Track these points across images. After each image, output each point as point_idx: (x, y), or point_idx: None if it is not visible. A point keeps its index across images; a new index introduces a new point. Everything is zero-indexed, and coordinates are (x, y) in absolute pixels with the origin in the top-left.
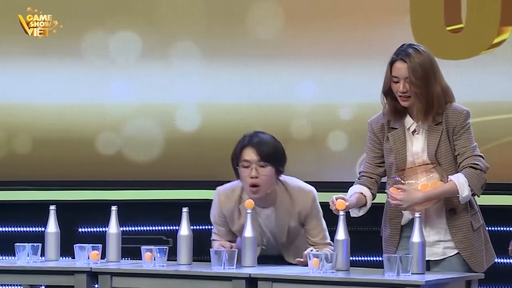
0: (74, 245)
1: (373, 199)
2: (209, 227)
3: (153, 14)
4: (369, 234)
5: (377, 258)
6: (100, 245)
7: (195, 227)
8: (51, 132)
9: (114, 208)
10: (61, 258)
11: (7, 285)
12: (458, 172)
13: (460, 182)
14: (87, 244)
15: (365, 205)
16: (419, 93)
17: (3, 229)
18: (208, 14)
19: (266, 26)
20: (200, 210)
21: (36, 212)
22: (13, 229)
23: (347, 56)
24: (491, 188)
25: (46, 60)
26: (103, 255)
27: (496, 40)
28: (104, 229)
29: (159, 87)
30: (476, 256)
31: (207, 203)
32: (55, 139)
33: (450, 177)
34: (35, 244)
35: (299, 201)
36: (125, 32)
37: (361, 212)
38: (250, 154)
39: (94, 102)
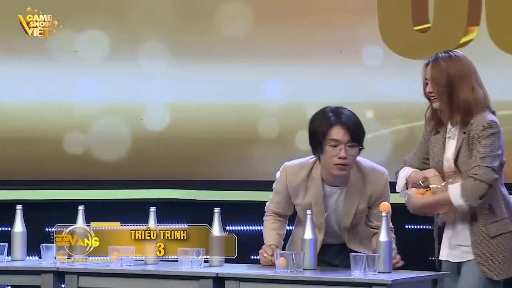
0: (41, 245)
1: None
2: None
3: (121, 12)
4: None
5: None
6: (66, 246)
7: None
8: (17, 132)
9: (81, 207)
10: (28, 257)
11: None
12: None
13: (453, 192)
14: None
15: None
16: (442, 96)
17: None
18: (176, 13)
19: (235, 26)
20: (167, 210)
21: (2, 212)
22: None
23: (315, 55)
24: None
25: (12, 59)
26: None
27: (463, 40)
28: None
29: (127, 86)
30: (492, 264)
31: (175, 202)
32: (21, 138)
33: (449, 186)
34: (1, 244)
35: (371, 181)
36: (93, 31)
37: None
38: (339, 133)
39: (61, 101)
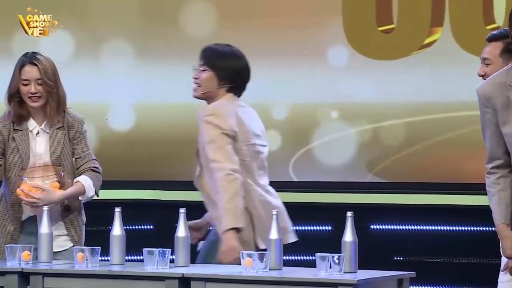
0: (6, 246)
1: None
2: (140, 227)
3: (85, 12)
4: (303, 233)
5: (309, 257)
6: (32, 246)
7: (127, 227)
8: None
9: (45, 208)
10: None
11: None
12: (80, 175)
13: (87, 184)
14: (18, 245)
15: None
16: (52, 93)
17: None
18: (141, 13)
19: (200, 25)
20: (132, 210)
21: None
22: None
23: (280, 56)
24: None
25: None
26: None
27: (427, 41)
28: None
29: (92, 86)
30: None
31: (140, 203)
32: None
33: (78, 179)
34: None
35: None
36: (57, 32)
37: None
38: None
39: None
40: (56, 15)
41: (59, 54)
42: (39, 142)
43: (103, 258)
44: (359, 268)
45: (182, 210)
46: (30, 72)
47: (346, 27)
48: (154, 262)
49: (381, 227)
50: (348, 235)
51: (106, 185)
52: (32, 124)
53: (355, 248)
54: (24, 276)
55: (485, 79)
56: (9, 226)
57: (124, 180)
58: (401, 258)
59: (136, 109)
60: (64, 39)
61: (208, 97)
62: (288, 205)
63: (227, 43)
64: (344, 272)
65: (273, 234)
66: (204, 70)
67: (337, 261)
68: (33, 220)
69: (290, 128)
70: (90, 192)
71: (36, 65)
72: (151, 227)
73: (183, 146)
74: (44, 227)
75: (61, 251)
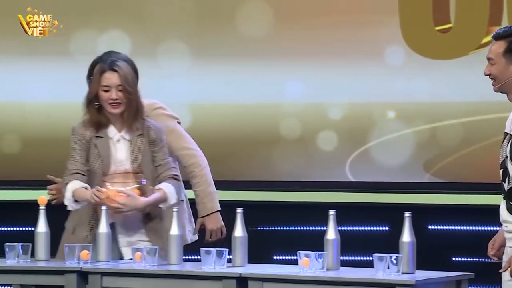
0: (65, 245)
1: None
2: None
3: (142, 13)
4: (360, 233)
5: (366, 258)
6: (90, 245)
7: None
8: (39, 132)
9: (104, 207)
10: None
11: None
12: (161, 182)
13: (169, 191)
14: (76, 244)
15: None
16: (132, 100)
17: None
18: (197, 14)
19: (255, 25)
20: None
21: (26, 212)
22: (3, 229)
23: (336, 55)
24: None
25: (35, 59)
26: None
27: (485, 40)
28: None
29: (148, 86)
30: None
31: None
32: (44, 138)
33: (160, 186)
34: (25, 244)
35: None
36: (114, 31)
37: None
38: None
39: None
40: (113, 16)
41: None
42: (120, 149)
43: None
44: (417, 269)
45: (239, 210)
46: (111, 78)
47: (402, 27)
48: (211, 262)
49: (439, 227)
50: (406, 236)
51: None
52: (112, 131)
53: (413, 248)
54: (83, 275)
55: (491, 78)
56: (84, 232)
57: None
58: (460, 259)
59: (192, 109)
60: (120, 40)
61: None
62: (345, 205)
63: (282, 42)
64: (402, 273)
65: (330, 234)
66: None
67: (395, 261)
68: (112, 227)
69: (346, 128)
70: (172, 200)
71: (116, 71)
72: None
73: (239, 146)
74: (102, 227)
75: None
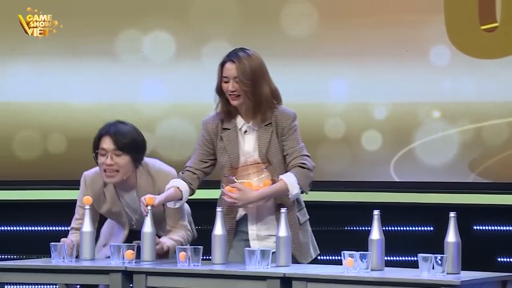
0: (110, 245)
1: (191, 195)
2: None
3: (187, 13)
4: (404, 233)
5: (410, 258)
6: (135, 245)
7: None
8: (84, 132)
9: (149, 208)
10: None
11: (43, 284)
12: (287, 171)
13: (290, 181)
14: (122, 244)
15: (180, 199)
16: (248, 92)
17: (39, 228)
18: (241, 14)
19: (300, 25)
20: None
21: (71, 212)
22: (48, 228)
23: (381, 55)
24: None
25: (80, 60)
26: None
27: None
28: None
29: (192, 87)
30: (303, 249)
31: None
32: (88, 138)
33: (281, 176)
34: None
35: (159, 181)
36: (159, 32)
37: (177, 205)
38: (107, 143)
39: (128, 101)
40: (158, 16)
41: (161, 55)
42: (248, 140)
43: (205, 257)
44: (461, 269)
45: (283, 210)
46: (229, 69)
47: (448, 26)
48: (255, 262)
49: (484, 227)
50: (451, 236)
51: (204, 184)
52: (240, 121)
53: (458, 248)
54: (128, 274)
55: None
56: (226, 226)
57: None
58: (505, 259)
59: None
60: (165, 40)
61: None
62: (389, 206)
63: (327, 42)
64: (447, 273)
65: (375, 235)
66: None
67: (440, 262)
68: (245, 220)
69: (390, 128)
70: (294, 190)
71: (234, 62)
72: None
73: None
74: (147, 226)
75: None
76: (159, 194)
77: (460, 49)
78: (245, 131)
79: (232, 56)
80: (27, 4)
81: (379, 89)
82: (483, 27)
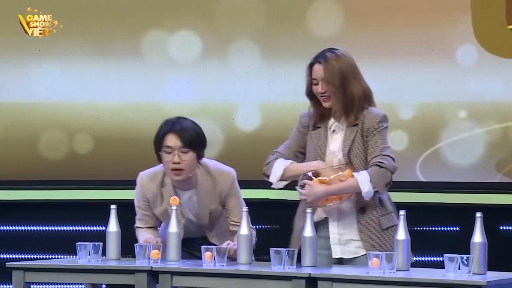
0: (135, 245)
1: None
2: (266, 226)
3: (212, 13)
4: (430, 234)
5: (436, 258)
6: (161, 244)
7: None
8: (111, 132)
9: (174, 208)
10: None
11: (69, 283)
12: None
13: (362, 178)
14: (148, 244)
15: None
16: (337, 93)
17: (65, 228)
18: (267, 13)
19: (326, 25)
20: (259, 209)
21: (97, 212)
22: (75, 228)
23: (407, 55)
24: None
25: (106, 60)
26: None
27: None
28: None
29: (218, 86)
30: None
31: (266, 202)
32: (116, 138)
33: (354, 173)
34: (96, 243)
35: (219, 181)
36: (185, 32)
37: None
38: (172, 140)
39: (154, 101)
40: (184, 16)
41: (187, 55)
42: (335, 140)
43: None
44: (488, 270)
45: (308, 210)
46: (317, 71)
47: (475, 25)
48: (281, 262)
49: (510, 228)
50: (477, 236)
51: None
52: (331, 121)
53: (484, 249)
54: (153, 274)
55: None
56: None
57: (251, 179)
58: None
59: (262, 109)
60: (191, 40)
61: None
62: (415, 206)
63: (352, 42)
64: (473, 274)
65: (401, 235)
66: None
67: (466, 262)
68: (326, 223)
69: (417, 128)
70: (365, 187)
71: (321, 64)
72: (277, 226)
73: None
74: (172, 226)
75: (352, 258)
76: (219, 194)
77: (487, 48)
78: (333, 130)
79: (319, 57)
80: (28, 4)
81: (405, 89)
82: (510, 27)
